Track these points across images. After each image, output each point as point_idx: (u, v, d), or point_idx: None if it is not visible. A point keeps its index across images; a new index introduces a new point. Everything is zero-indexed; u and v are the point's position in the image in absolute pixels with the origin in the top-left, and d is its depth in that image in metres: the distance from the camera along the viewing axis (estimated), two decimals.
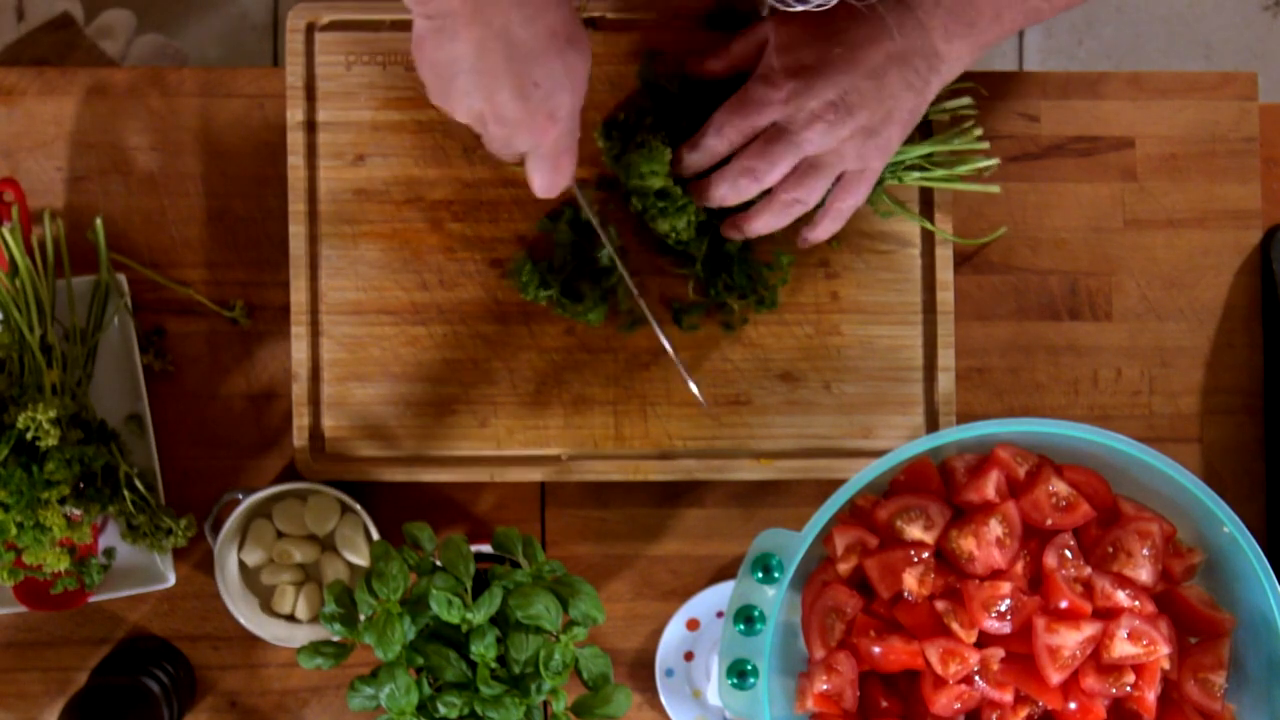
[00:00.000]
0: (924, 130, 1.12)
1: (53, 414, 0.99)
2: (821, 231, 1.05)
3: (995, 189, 1.13)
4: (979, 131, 1.11)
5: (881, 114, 0.99)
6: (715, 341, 1.12)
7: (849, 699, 0.95)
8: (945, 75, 1.01)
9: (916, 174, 1.10)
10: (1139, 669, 0.93)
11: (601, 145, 1.09)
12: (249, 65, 1.44)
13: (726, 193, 1.02)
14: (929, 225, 1.12)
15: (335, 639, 0.98)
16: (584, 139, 0.98)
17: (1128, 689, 0.93)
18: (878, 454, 1.00)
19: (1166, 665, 0.94)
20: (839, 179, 1.02)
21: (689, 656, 1.14)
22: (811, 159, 1.00)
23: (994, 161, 1.11)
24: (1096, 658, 0.93)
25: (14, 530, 0.99)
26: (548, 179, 0.96)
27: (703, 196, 1.04)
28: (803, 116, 0.98)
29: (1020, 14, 1.00)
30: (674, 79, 1.10)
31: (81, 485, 1.04)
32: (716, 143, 1.02)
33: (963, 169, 1.11)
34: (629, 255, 1.11)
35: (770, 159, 1.00)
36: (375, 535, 1.09)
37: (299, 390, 1.11)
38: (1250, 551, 0.92)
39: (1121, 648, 0.92)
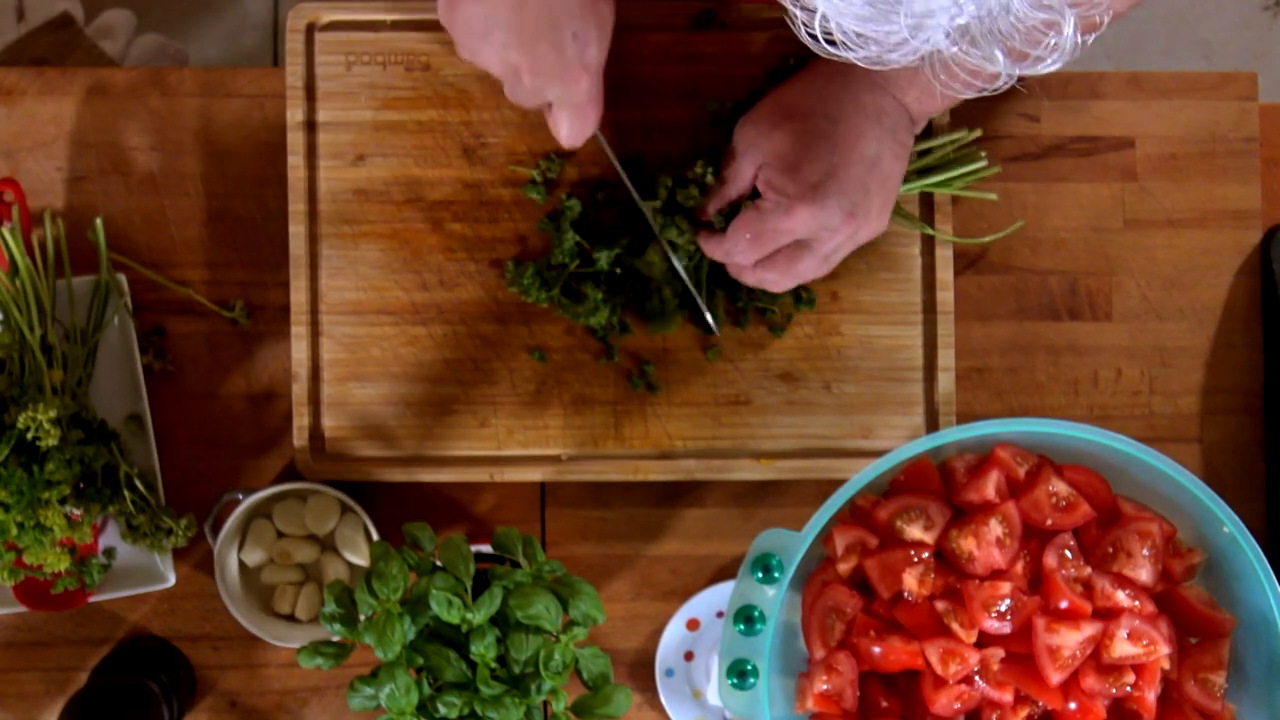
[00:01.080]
0: (925, 132, 1.12)
1: (53, 414, 0.99)
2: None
3: (992, 196, 1.13)
4: (979, 132, 1.12)
5: (885, 195, 1.02)
6: (716, 341, 1.12)
7: (849, 699, 0.95)
8: (918, 128, 1.05)
9: (917, 180, 1.10)
10: (1139, 669, 0.93)
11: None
12: (249, 65, 1.44)
13: (746, 279, 1.05)
14: (929, 230, 1.12)
15: (335, 639, 0.98)
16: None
17: (1128, 689, 0.93)
18: (878, 454, 1.00)
19: (1166, 665, 0.94)
20: None
21: (689, 656, 1.14)
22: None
23: (995, 169, 1.12)
24: (1096, 658, 0.93)
25: (14, 530, 0.99)
26: (576, 127, 1.00)
27: (711, 254, 1.06)
28: (825, 234, 1.01)
29: (986, 77, 1.02)
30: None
31: (82, 485, 1.04)
32: (741, 261, 1.03)
33: (960, 170, 1.11)
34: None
35: (797, 272, 1.03)
36: (375, 535, 1.09)
37: (299, 390, 1.11)
38: (1250, 551, 0.92)
39: (1121, 648, 0.92)
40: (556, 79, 0.96)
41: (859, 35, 0.69)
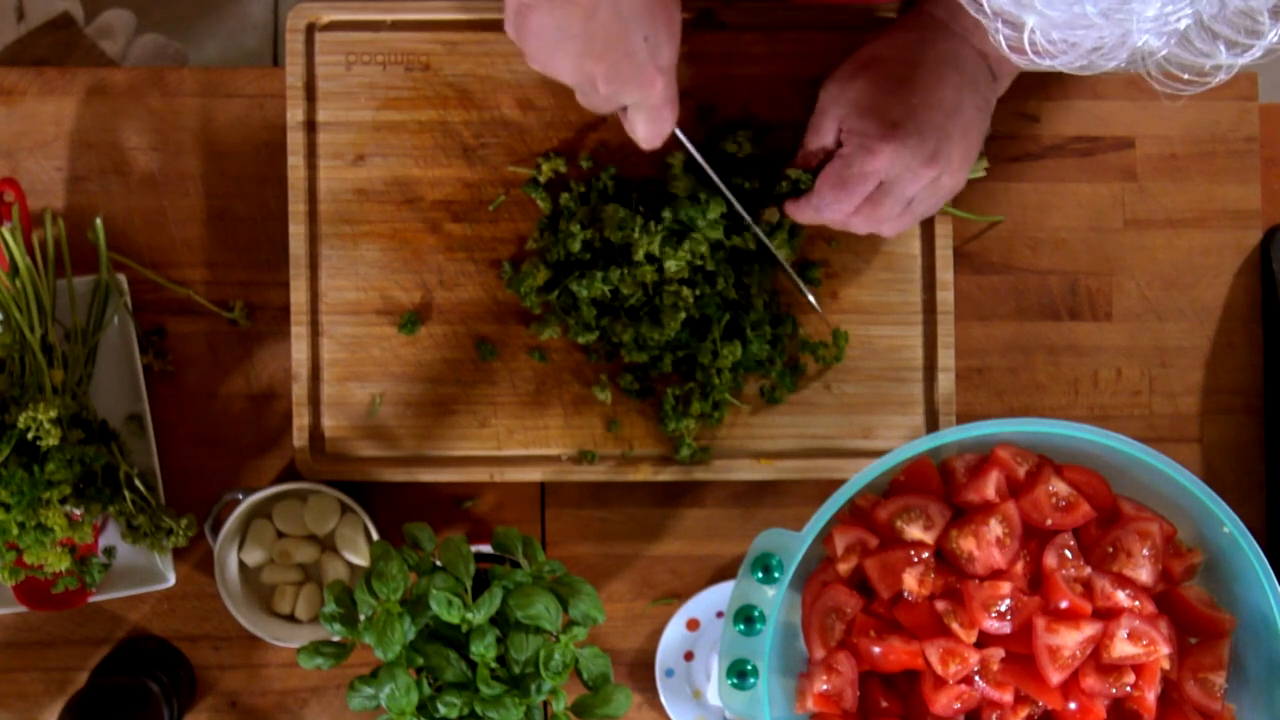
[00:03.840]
0: None
1: (54, 414, 0.99)
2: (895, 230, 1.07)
3: (999, 218, 1.14)
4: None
5: (967, 145, 1.02)
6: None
7: (849, 699, 0.95)
8: (1002, 88, 1.05)
9: None
10: (1139, 669, 0.93)
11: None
12: (249, 65, 1.44)
13: (838, 225, 1.05)
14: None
15: (335, 639, 0.98)
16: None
17: (1128, 689, 0.93)
18: (878, 454, 1.00)
19: (1166, 665, 0.94)
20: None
21: (689, 656, 1.14)
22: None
23: (982, 161, 1.12)
24: (1096, 658, 0.93)
25: (15, 530, 0.99)
26: (654, 128, 1.01)
27: (799, 216, 1.06)
28: (908, 176, 1.00)
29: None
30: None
31: (82, 485, 1.04)
32: (833, 215, 1.03)
33: None
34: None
35: (879, 216, 1.02)
36: (375, 535, 1.09)
37: (299, 390, 1.11)
38: (1250, 551, 0.92)
39: (1121, 648, 0.92)
40: (632, 84, 0.96)
41: (1066, 42, 0.68)
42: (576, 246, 1.09)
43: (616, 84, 0.96)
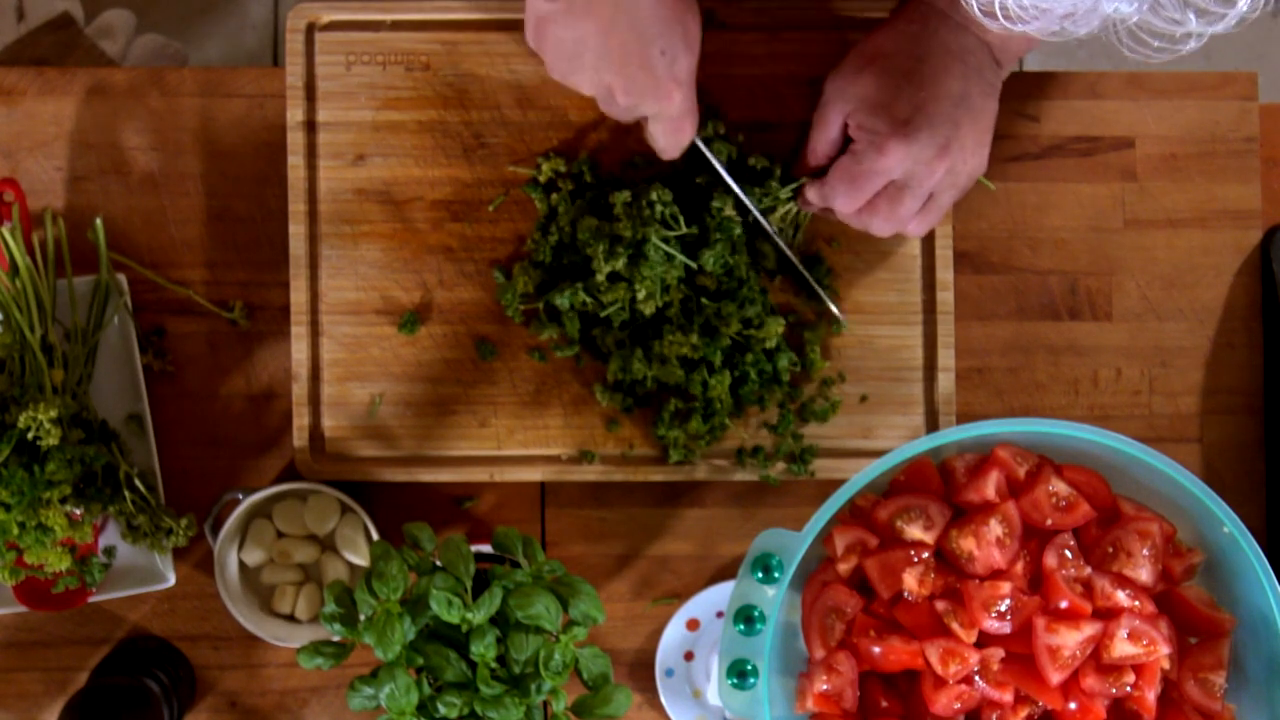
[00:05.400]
0: None
1: (54, 414, 0.99)
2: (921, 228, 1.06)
3: (991, 186, 1.13)
4: None
5: (979, 130, 1.02)
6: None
7: (849, 699, 0.95)
8: (1006, 72, 1.05)
9: None
10: (1139, 669, 0.93)
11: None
12: (249, 65, 1.44)
13: (851, 222, 1.05)
14: None
15: (335, 639, 0.98)
16: None
17: (1128, 689, 0.93)
18: (878, 454, 1.00)
19: (1166, 665, 0.94)
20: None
21: (689, 656, 1.14)
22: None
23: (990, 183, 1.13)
24: (1096, 658, 0.93)
25: (15, 530, 0.99)
26: (673, 139, 1.02)
27: (810, 202, 1.07)
28: (922, 170, 1.00)
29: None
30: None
31: (82, 485, 1.04)
32: (843, 208, 1.03)
33: None
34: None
35: (900, 215, 1.03)
36: (375, 535, 1.09)
37: (299, 390, 1.11)
38: (1250, 551, 0.92)
39: (1121, 648, 0.92)
40: (649, 96, 0.97)
41: (1037, 8, 0.69)
42: (547, 255, 1.09)
43: (634, 96, 0.97)
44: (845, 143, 1.05)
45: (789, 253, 1.10)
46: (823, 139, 1.05)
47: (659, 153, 1.03)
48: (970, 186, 1.05)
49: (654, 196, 1.05)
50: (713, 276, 1.08)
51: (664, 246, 1.05)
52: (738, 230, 1.07)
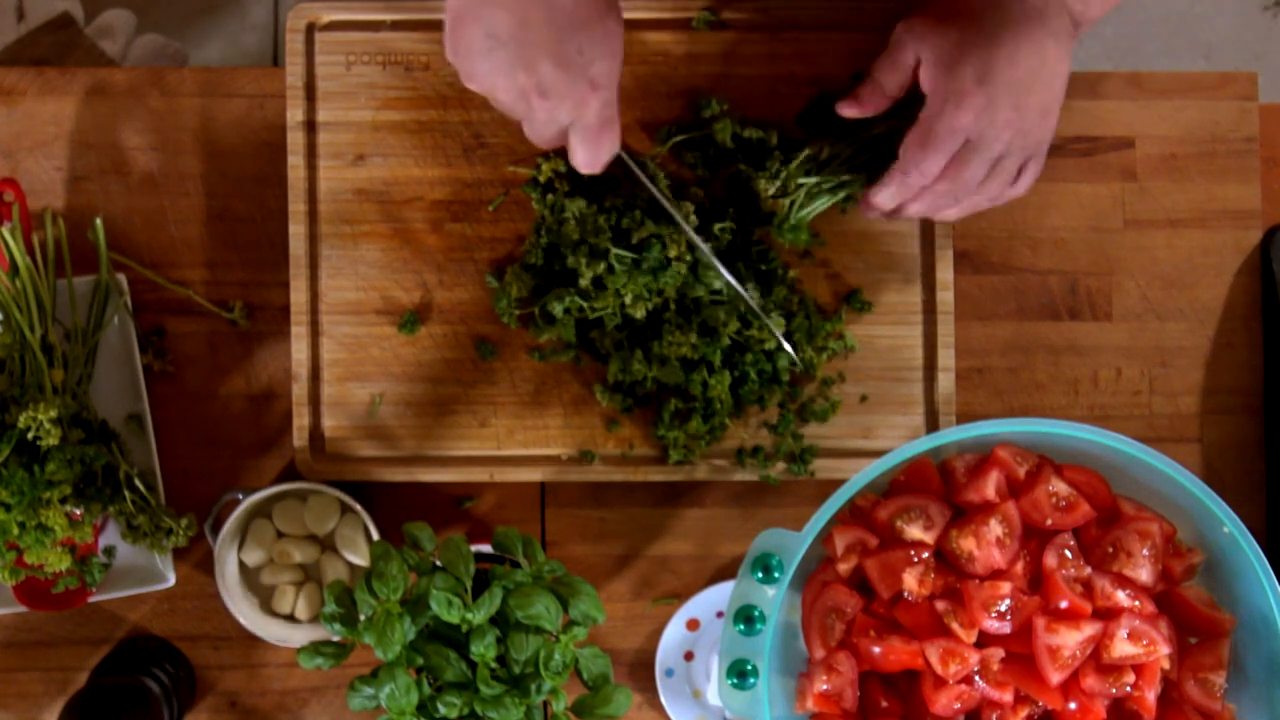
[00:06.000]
0: None
1: (54, 414, 0.99)
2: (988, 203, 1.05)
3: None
4: None
5: (1051, 95, 0.99)
6: None
7: (849, 699, 0.95)
8: (1080, 34, 1.03)
9: None
10: (1139, 669, 0.93)
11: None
12: (249, 65, 1.44)
13: (921, 211, 1.03)
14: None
15: (335, 639, 0.98)
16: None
17: (1128, 689, 0.93)
18: (878, 454, 1.00)
19: (1166, 665, 0.94)
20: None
21: (689, 656, 1.14)
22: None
23: None
24: (1096, 658, 0.93)
25: (15, 530, 0.99)
26: (591, 152, 0.96)
27: (873, 209, 1.04)
28: (994, 130, 0.98)
29: None
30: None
31: (82, 485, 1.04)
32: (919, 179, 1.01)
33: None
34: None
35: (967, 180, 1.00)
36: (375, 535, 1.09)
37: (299, 390, 1.11)
38: (1250, 551, 0.92)
39: (1121, 648, 0.92)
40: (566, 98, 0.92)
41: None
42: (539, 258, 1.09)
43: (549, 99, 0.92)
44: (901, 109, 1.02)
45: (734, 282, 1.08)
46: (893, 80, 1.02)
47: (577, 166, 0.97)
48: (1038, 154, 1.02)
49: (572, 210, 1.05)
50: (703, 285, 1.08)
51: (618, 266, 1.05)
52: (686, 254, 1.07)
